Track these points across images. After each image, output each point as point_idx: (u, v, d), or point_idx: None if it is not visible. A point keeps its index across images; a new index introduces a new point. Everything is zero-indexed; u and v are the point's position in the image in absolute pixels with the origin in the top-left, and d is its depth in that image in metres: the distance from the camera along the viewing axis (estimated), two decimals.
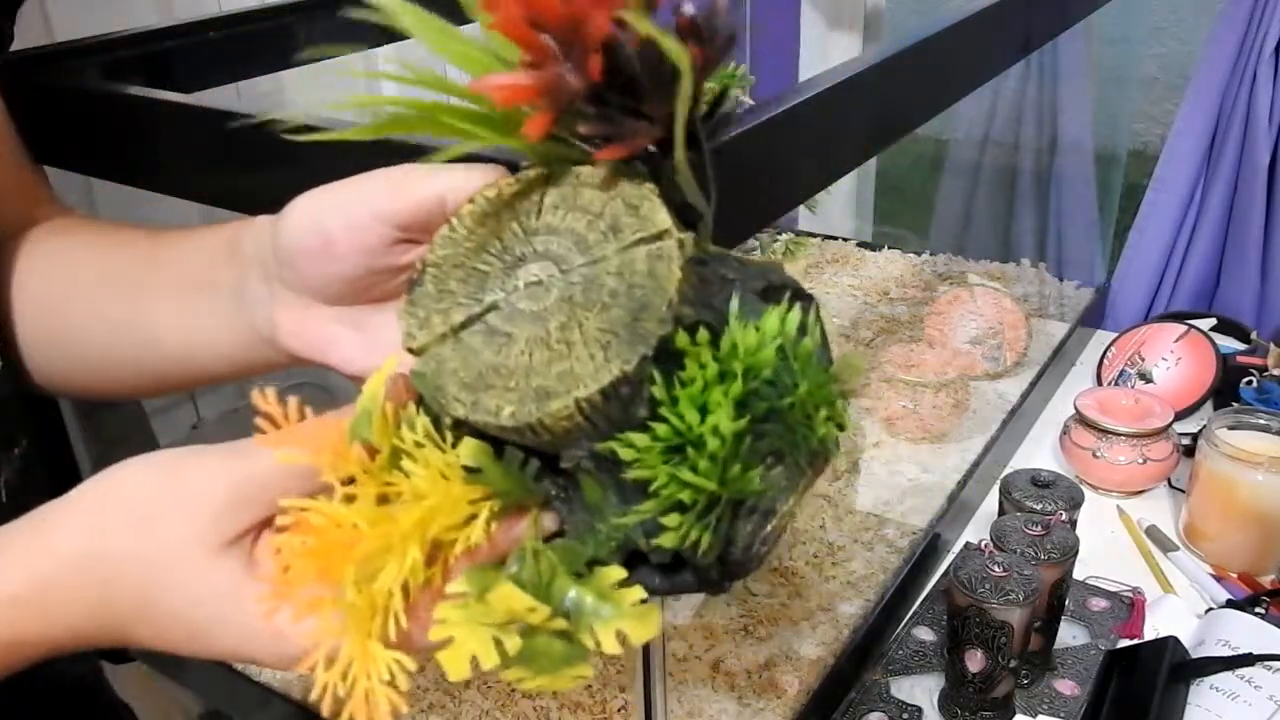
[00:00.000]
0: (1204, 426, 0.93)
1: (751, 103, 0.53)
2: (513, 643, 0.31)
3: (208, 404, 1.11)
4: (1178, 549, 0.95)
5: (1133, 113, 1.39)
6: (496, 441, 0.33)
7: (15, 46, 0.76)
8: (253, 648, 0.35)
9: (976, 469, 1.00)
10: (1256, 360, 1.12)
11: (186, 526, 0.34)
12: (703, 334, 0.31)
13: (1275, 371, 1.10)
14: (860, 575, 0.87)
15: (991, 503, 0.97)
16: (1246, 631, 0.79)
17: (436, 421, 0.33)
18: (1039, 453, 1.10)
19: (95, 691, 0.62)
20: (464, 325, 0.33)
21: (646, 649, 0.52)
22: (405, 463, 0.32)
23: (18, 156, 0.53)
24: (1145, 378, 1.15)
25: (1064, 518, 0.81)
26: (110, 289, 0.48)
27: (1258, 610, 0.83)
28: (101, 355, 0.49)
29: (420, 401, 0.33)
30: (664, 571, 0.34)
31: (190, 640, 0.35)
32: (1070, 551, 0.76)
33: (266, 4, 0.76)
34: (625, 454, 0.31)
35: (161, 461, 0.35)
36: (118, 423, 0.85)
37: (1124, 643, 0.83)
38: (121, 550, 0.34)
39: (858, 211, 1.65)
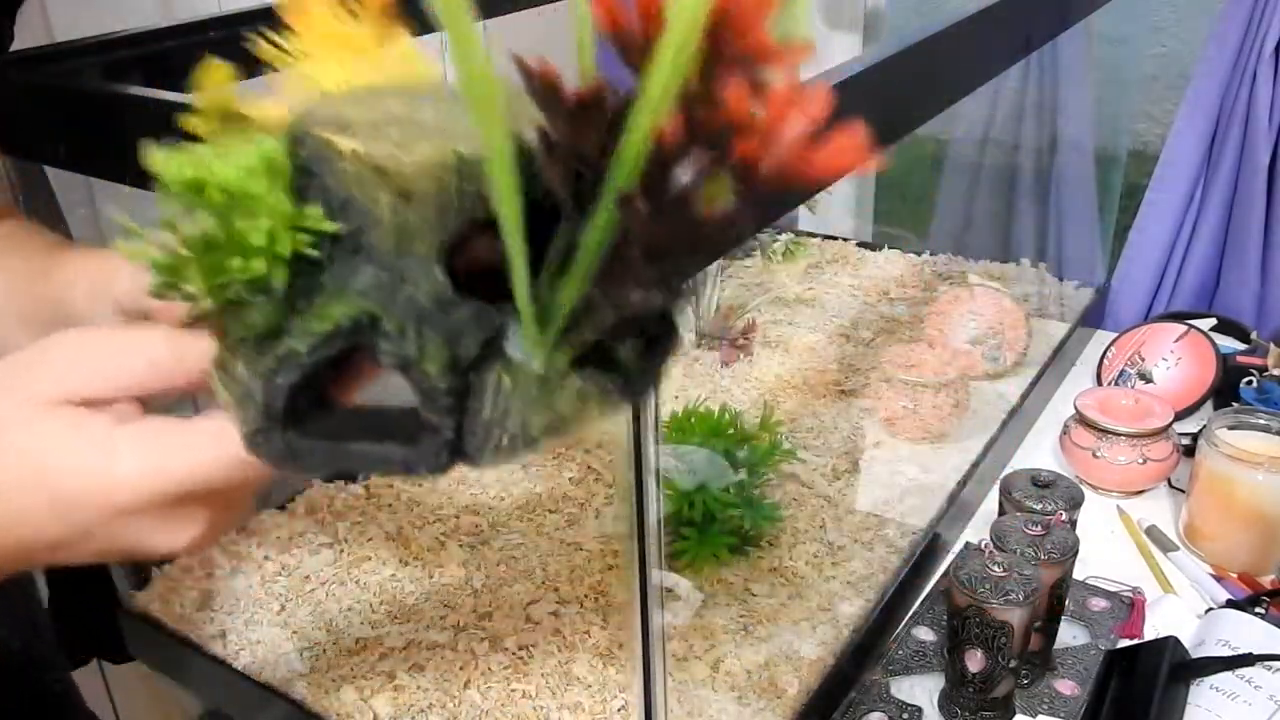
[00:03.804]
0: (1204, 426, 0.93)
1: None
2: None
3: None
4: (1178, 549, 0.95)
5: (1133, 113, 1.38)
6: None
7: (15, 46, 0.76)
8: (93, 479, 0.32)
9: (976, 469, 1.00)
10: (1256, 360, 1.12)
11: (23, 388, 0.33)
12: None
13: (1275, 371, 1.10)
14: (860, 575, 0.87)
15: (991, 503, 0.97)
16: (1246, 631, 0.79)
17: None
18: (1039, 453, 1.10)
19: (64, 700, 0.61)
20: None
21: (646, 650, 0.52)
22: None
23: None
24: (1145, 378, 1.15)
25: (1064, 518, 0.81)
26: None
27: (1258, 610, 0.83)
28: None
29: None
30: None
31: (27, 491, 0.33)
32: (1070, 551, 0.76)
33: (266, 4, 0.76)
34: None
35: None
36: None
37: (1124, 643, 0.83)
38: None
39: (858, 211, 1.65)
